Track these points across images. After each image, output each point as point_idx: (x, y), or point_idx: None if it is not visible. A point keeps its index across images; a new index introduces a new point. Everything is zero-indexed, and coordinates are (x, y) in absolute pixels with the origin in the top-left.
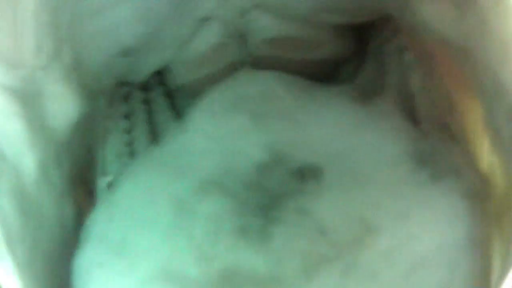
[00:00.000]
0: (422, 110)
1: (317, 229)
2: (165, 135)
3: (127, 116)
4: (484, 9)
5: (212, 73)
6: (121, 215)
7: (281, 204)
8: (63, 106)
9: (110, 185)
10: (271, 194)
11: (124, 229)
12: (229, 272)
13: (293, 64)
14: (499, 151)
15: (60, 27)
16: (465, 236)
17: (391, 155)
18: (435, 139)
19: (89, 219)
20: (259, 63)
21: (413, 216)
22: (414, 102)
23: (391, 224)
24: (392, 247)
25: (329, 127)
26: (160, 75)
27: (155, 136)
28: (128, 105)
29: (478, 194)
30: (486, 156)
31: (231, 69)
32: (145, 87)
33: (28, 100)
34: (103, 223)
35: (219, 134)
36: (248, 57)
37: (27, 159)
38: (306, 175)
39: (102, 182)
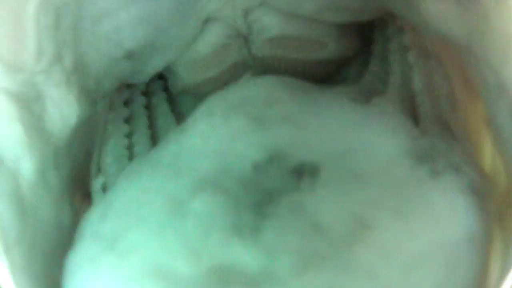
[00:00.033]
0: (424, 109)
1: (312, 225)
2: (164, 138)
3: (127, 120)
4: (486, 8)
5: (214, 75)
6: (115, 213)
7: (275, 200)
8: (63, 110)
9: (104, 186)
10: (266, 192)
11: (116, 226)
12: (220, 268)
13: (297, 65)
14: (502, 150)
15: (61, 31)
16: (465, 233)
17: (389, 153)
18: (435, 136)
19: (83, 218)
20: (262, 64)
21: (412, 213)
22: (416, 101)
23: (389, 221)
24: (390, 245)
25: (328, 127)
26: (162, 80)
27: (155, 140)
28: (129, 109)
29: (479, 191)
30: (489, 155)
31: (234, 71)
32: (147, 92)
33: (28, 104)
34: (96, 221)
35: (217, 136)
36: (251, 58)
37: (25, 162)
38: (303, 173)
39: (97, 184)
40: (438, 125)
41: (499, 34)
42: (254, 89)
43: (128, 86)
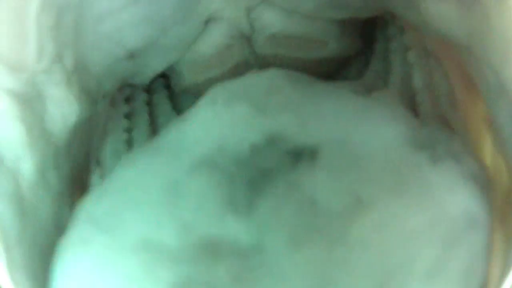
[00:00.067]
0: (424, 107)
1: (307, 201)
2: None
3: (128, 116)
4: (486, 8)
5: (217, 75)
6: (109, 197)
7: (271, 179)
8: (63, 110)
9: (102, 179)
10: (262, 171)
11: (110, 208)
12: (210, 242)
13: (298, 64)
14: (502, 150)
15: (63, 31)
16: (465, 214)
17: (389, 140)
18: (435, 128)
19: (78, 204)
20: (264, 63)
21: (410, 192)
22: (416, 99)
23: (386, 199)
24: (386, 220)
25: (328, 115)
26: (164, 78)
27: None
28: (130, 105)
29: (479, 180)
30: (489, 154)
31: (236, 71)
32: (148, 89)
33: (29, 103)
34: (90, 205)
35: (218, 123)
36: (253, 58)
37: (25, 162)
38: (301, 156)
39: (95, 176)
40: (439, 121)
41: (499, 34)
42: (256, 79)
43: (130, 85)
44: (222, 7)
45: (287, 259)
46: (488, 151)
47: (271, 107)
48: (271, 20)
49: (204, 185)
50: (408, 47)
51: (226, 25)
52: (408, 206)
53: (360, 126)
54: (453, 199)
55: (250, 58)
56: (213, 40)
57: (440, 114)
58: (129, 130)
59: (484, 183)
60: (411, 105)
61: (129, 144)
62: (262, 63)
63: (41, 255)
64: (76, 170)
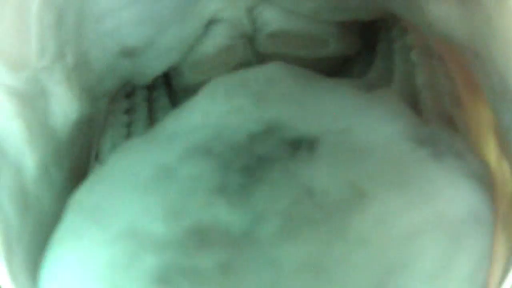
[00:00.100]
0: (426, 106)
1: (304, 190)
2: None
3: (128, 112)
4: (487, 9)
5: (219, 75)
6: (101, 185)
7: (268, 166)
8: (65, 107)
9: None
10: (259, 158)
11: (100, 197)
12: (198, 228)
13: (300, 62)
14: (507, 153)
15: (64, 29)
16: (468, 211)
17: (390, 134)
18: (437, 127)
19: (72, 196)
20: (267, 63)
21: (412, 187)
22: (418, 98)
23: (387, 192)
24: (387, 214)
25: (329, 107)
26: (165, 76)
27: None
28: (130, 101)
29: (482, 178)
30: (493, 156)
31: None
32: (149, 86)
33: (31, 101)
34: (82, 194)
35: (216, 111)
36: (255, 57)
37: (28, 157)
38: (300, 145)
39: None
40: (441, 120)
41: (502, 35)
42: (257, 72)
43: (131, 84)
44: (222, 7)
45: (280, 250)
46: (492, 153)
47: (271, 98)
48: (272, 19)
49: (196, 171)
50: (411, 47)
51: (228, 26)
52: (410, 201)
53: (361, 120)
54: (457, 196)
55: (252, 57)
56: (215, 41)
57: (443, 113)
58: (128, 125)
59: (488, 181)
60: (414, 105)
61: (128, 138)
62: (264, 62)
63: (42, 249)
64: (79, 166)
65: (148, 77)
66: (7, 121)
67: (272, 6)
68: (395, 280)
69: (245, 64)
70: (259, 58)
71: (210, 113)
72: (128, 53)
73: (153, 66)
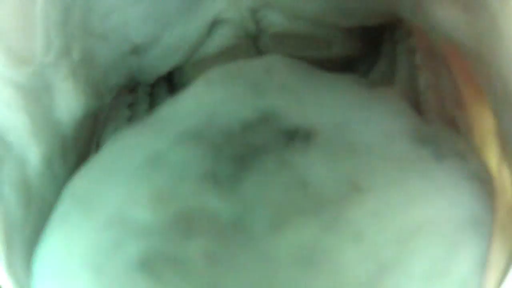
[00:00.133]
0: (429, 107)
1: (298, 181)
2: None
3: (130, 106)
4: (493, 13)
5: None
6: (92, 173)
7: (261, 156)
8: (70, 102)
9: None
10: (252, 147)
11: (91, 184)
12: (185, 216)
13: None
14: (508, 160)
15: (70, 25)
16: (469, 214)
17: (390, 131)
18: (439, 126)
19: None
20: None
21: (411, 184)
22: (421, 99)
23: (385, 188)
24: (384, 210)
25: (328, 100)
26: (167, 73)
27: None
28: (133, 96)
29: (484, 180)
30: (494, 163)
31: None
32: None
33: (36, 95)
34: (75, 183)
35: (211, 98)
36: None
37: (32, 151)
38: (295, 136)
39: None
40: (443, 122)
41: (506, 40)
42: (255, 62)
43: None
44: (226, 7)
45: (270, 240)
46: (492, 159)
47: (268, 88)
48: (276, 20)
49: (186, 157)
50: (415, 48)
51: (232, 26)
52: (409, 199)
53: (361, 115)
54: (457, 198)
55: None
56: (219, 41)
57: (445, 115)
58: (130, 119)
59: (489, 185)
60: (416, 106)
61: None
62: None
63: None
64: (82, 161)
65: (153, 75)
66: (11, 113)
67: (276, 9)
68: (389, 277)
69: None
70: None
71: (204, 100)
72: (134, 50)
73: (158, 64)
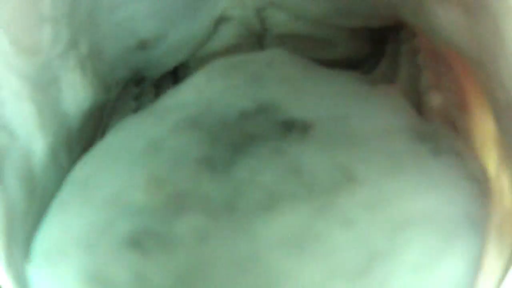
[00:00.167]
0: (429, 107)
1: (292, 168)
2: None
3: (136, 98)
4: (496, 19)
5: None
6: (94, 159)
7: (257, 143)
8: (77, 95)
9: None
10: (249, 135)
11: (92, 169)
12: (178, 197)
13: None
14: (508, 166)
15: (78, 18)
16: (461, 214)
17: (389, 126)
18: (438, 125)
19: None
20: None
21: (406, 177)
22: (422, 99)
23: (379, 179)
24: (377, 201)
25: (327, 93)
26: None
27: None
28: (139, 88)
29: (480, 179)
30: (492, 168)
31: None
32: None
33: (43, 86)
34: (77, 169)
35: (210, 88)
36: None
37: (38, 142)
38: (293, 127)
39: None
40: (444, 122)
41: (508, 47)
42: (257, 56)
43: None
44: (231, 6)
45: (260, 221)
46: (492, 164)
47: (268, 80)
48: (280, 20)
49: (184, 143)
50: (418, 50)
51: (237, 25)
52: (403, 191)
53: (360, 110)
54: (453, 195)
55: None
56: (224, 38)
57: (446, 116)
58: (135, 110)
59: (485, 185)
60: (417, 106)
61: None
62: None
63: None
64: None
65: (159, 70)
66: (19, 104)
67: (281, 8)
68: (380, 265)
69: None
70: None
71: (204, 89)
72: (141, 45)
73: (164, 60)
